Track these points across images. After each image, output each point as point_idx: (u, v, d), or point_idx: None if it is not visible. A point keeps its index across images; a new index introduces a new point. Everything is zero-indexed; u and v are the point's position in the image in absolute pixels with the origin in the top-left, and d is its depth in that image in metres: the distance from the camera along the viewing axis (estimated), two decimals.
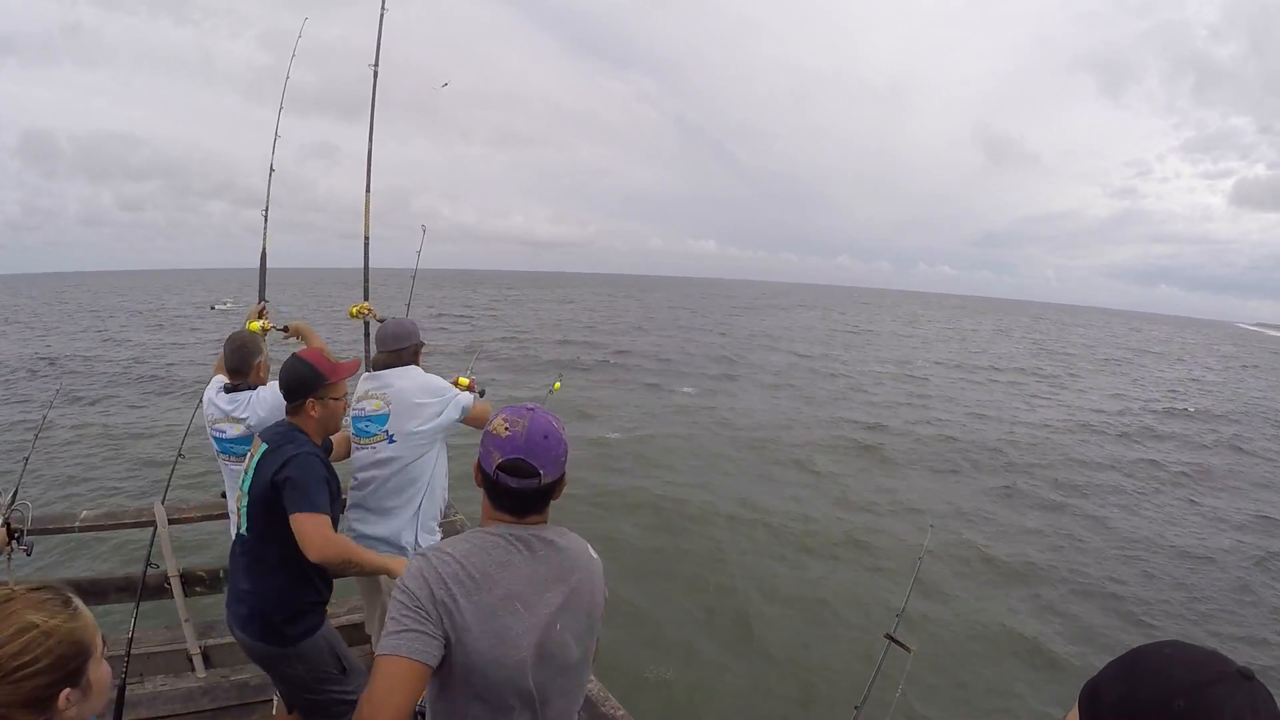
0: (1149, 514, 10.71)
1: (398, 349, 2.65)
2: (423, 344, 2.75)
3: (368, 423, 2.57)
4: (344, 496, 2.49)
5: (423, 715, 1.36)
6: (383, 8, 3.56)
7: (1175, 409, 21.13)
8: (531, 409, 1.36)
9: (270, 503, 2.00)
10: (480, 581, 1.25)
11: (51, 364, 19.81)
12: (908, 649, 2.39)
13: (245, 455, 2.64)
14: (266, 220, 3.57)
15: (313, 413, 2.13)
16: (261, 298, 3.37)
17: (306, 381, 2.10)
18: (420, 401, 2.56)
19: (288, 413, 2.17)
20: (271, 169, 3.65)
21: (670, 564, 7.74)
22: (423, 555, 1.28)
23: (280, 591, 2.08)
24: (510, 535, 1.33)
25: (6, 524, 2.45)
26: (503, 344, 28.17)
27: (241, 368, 2.70)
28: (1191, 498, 11.82)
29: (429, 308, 47.65)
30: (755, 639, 6.37)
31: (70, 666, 1.03)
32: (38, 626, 1.01)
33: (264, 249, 3.53)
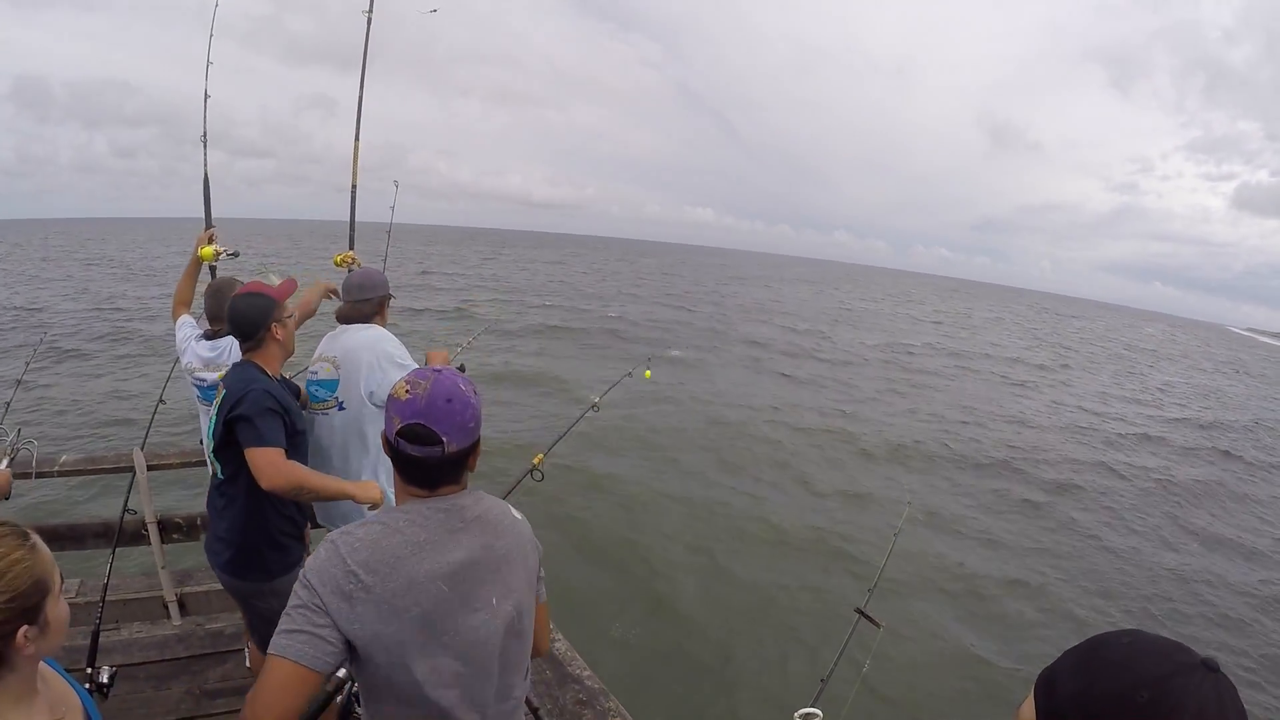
0: (1131, 520, 10.69)
1: (362, 299, 2.55)
2: (391, 296, 2.65)
3: (318, 387, 2.46)
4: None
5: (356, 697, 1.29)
6: None
7: (1168, 415, 21.03)
8: (439, 370, 1.24)
9: (231, 443, 2.04)
10: (395, 566, 1.15)
11: (30, 313, 19.31)
12: (877, 624, 2.42)
13: None
14: (206, 146, 3.52)
15: (278, 336, 2.18)
16: (208, 224, 3.31)
17: (267, 310, 2.14)
18: (373, 363, 2.41)
19: (248, 350, 2.18)
20: (206, 95, 3.57)
21: (634, 539, 7.70)
22: (330, 543, 1.17)
23: (257, 527, 2.14)
24: (426, 509, 1.22)
25: (11, 467, 2.44)
26: (490, 305, 27.81)
27: (222, 314, 2.67)
28: (1177, 503, 11.78)
29: (418, 264, 46.76)
30: (719, 616, 6.40)
31: (28, 603, 1.01)
32: None
33: (205, 174, 3.50)
